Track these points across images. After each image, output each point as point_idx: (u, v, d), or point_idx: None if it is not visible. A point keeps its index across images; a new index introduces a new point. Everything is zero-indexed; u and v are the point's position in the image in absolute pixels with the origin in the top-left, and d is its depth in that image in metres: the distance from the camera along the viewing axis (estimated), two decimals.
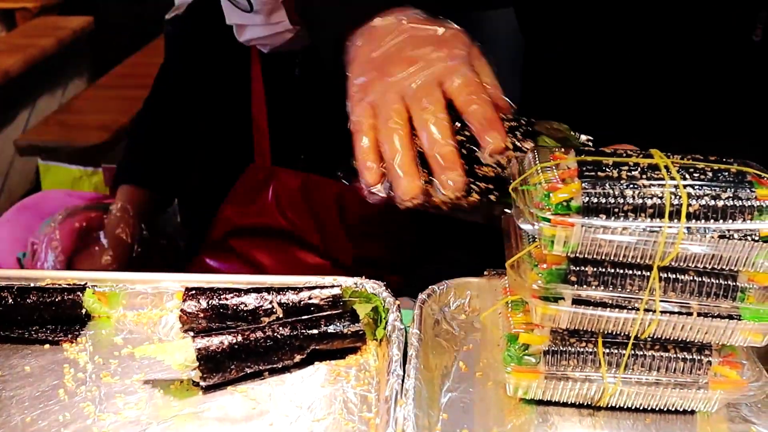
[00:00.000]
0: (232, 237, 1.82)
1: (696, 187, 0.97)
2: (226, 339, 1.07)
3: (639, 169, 1.00)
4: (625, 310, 0.99)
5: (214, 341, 1.07)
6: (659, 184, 0.96)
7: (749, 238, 0.95)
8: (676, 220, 0.94)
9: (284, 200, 1.78)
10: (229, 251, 1.79)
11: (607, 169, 1.00)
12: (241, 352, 1.08)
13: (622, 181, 0.97)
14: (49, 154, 2.93)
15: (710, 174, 0.99)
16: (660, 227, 0.94)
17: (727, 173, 1.00)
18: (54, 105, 3.74)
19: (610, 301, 0.99)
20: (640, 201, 0.95)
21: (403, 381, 1.00)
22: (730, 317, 1.00)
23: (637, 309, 0.98)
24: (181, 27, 1.89)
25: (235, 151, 1.79)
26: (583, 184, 0.97)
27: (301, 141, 1.78)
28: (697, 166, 1.00)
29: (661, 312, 0.98)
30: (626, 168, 1.00)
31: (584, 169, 1.00)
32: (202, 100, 1.82)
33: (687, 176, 0.98)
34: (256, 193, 1.80)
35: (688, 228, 0.94)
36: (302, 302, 1.15)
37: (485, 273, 1.21)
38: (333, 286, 1.16)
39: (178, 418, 1.03)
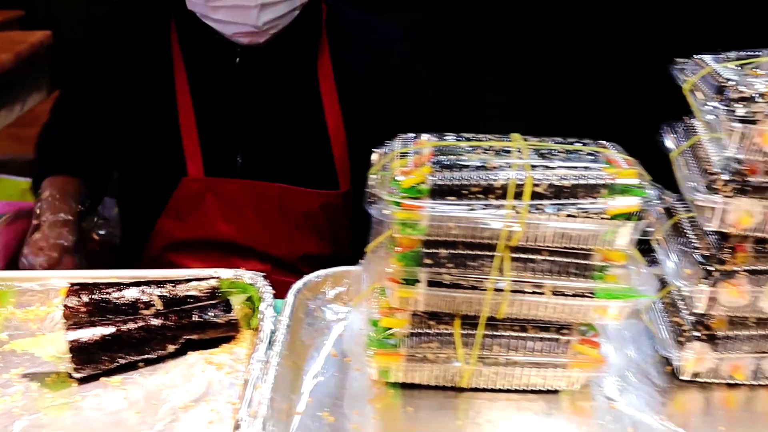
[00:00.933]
0: (170, 251, 1.81)
1: (546, 167, 0.98)
2: (99, 331, 1.08)
3: (493, 152, 1.01)
4: (477, 291, 0.99)
5: (87, 333, 1.08)
6: (508, 165, 0.97)
7: (597, 216, 0.96)
8: (522, 200, 0.95)
9: (222, 210, 1.77)
10: (168, 265, 1.78)
11: (461, 153, 1.01)
12: (113, 344, 1.09)
13: (472, 164, 0.98)
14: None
15: (563, 155, 1.00)
16: (508, 207, 0.95)
17: (581, 154, 1.01)
18: (12, 119, 3.74)
19: (465, 283, 1.00)
20: (489, 182, 0.96)
21: (266, 367, 1.01)
22: (585, 296, 1.01)
23: (489, 290, 0.99)
24: (108, 22, 1.83)
25: (168, 164, 1.77)
26: (433, 168, 0.98)
27: (237, 146, 1.78)
28: (552, 147, 1.02)
29: (512, 291, 0.99)
30: (480, 151, 1.01)
31: (438, 153, 1.02)
32: (122, 97, 1.78)
33: (539, 157, 0.99)
34: (193, 205, 1.79)
35: (537, 207, 0.95)
36: (181, 294, 1.16)
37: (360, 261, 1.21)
38: (211, 278, 1.17)
39: (50, 408, 1.04)
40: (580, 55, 2.01)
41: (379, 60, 1.75)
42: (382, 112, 1.66)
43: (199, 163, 1.71)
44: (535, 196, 0.97)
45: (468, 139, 1.06)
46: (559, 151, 1.02)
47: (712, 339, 1.05)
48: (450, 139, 1.06)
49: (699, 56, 1.05)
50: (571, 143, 1.05)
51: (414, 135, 1.09)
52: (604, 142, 1.06)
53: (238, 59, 1.65)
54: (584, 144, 1.05)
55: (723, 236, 1.03)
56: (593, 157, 1.01)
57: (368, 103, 1.68)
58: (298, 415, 1.02)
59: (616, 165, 1.00)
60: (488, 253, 0.99)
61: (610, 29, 1.95)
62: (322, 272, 1.23)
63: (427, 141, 1.06)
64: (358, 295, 1.11)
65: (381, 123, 1.43)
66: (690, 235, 1.06)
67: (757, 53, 1.04)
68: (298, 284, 1.20)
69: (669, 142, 1.10)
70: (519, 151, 1.00)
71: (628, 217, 0.98)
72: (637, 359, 1.12)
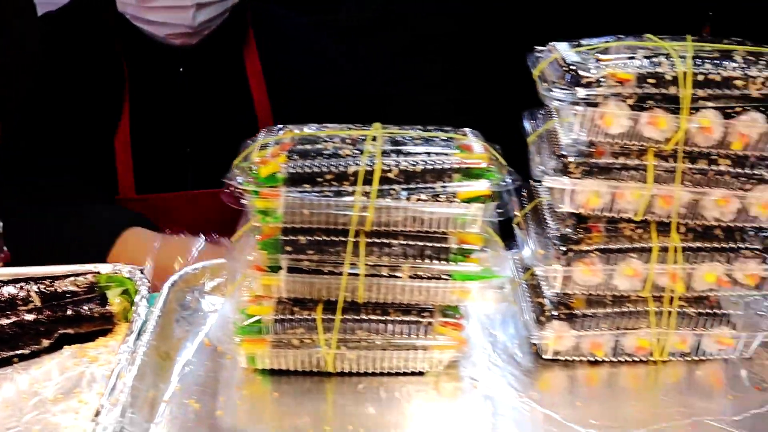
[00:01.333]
0: None
1: (399, 153, 1.01)
2: None
3: (349, 140, 1.04)
4: (335, 276, 1.02)
5: None
6: (360, 152, 1.00)
7: (447, 200, 0.99)
8: (372, 186, 0.98)
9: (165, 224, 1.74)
10: None
11: (319, 142, 1.04)
12: None
13: (327, 152, 1.00)
14: None
15: (420, 141, 1.03)
16: (358, 193, 0.97)
17: (436, 140, 1.04)
18: None
19: (323, 268, 1.03)
20: (341, 169, 0.99)
21: (132, 357, 1.03)
22: (441, 278, 1.03)
23: (348, 273, 1.01)
24: (52, 25, 1.78)
25: (101, 183, 1.72)
26: (289, 157, 1.00)
27: (186, 156, 1.75)
28: (408, 134, 1.04)
29: (369, 276, 1.02)
30: (338, 140, 1.04)
31: (296, 143, 1.04)
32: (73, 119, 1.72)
33: (392, 145, 1.02)
34: None
35: (389, 193, 0.98)
36: (59, 290, 1.17)
37: None
38: (90, 273, 1.19)
39: None
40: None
41: (310, 58, 1.77)
42: (317, 109, 1.68)
43: (131, 182, 1.70)
44: (387, 181, 0.99)
45: (330, 128, 1.08)
46: (414, 138, 1.05)
47: (571, 318, 1.08)
48: (312, 129, 1.08)
49: (553, 43, 1.08)
50: (429, 131, 1.07)
51: (281, 126, 1.12)
52: (465, 129, 1.09)
53: (181, 68, 1.65)
54: (444, 131, 1.07)
55: (578, 218, 1.05)
56: (447, 143, 1.04)
57: (301, 101, 1.70)
58: (165, 402, 1.03)
59: (469, 150, 1.03)
60: (344, 238, 1.01)
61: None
62: (200, 264, 1.25)
63: (290, 131, 1.08)
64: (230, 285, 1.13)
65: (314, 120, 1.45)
66: (547, 218, 1.08)
67: (613, 39, 1.07)
68: (174, 277, 1.21)
69: (528, 128, 1.13)
70: (374, 140, 1.03)
71: (480, 200, 1.00)
72: (504, 341, 1.15)
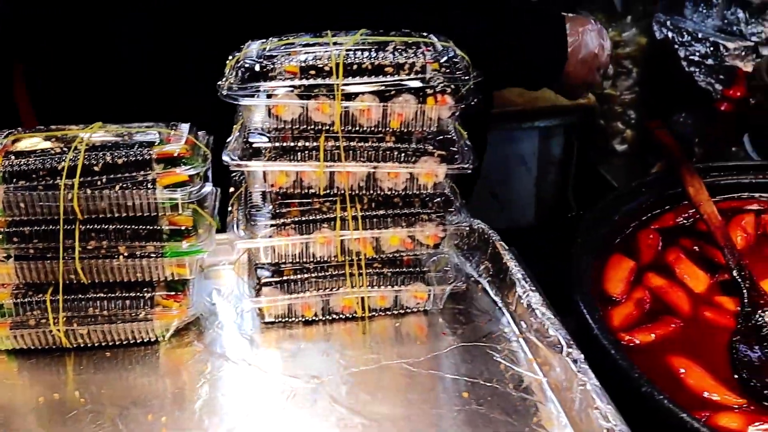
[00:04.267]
0: None
1: (105, 149, 1.14)
2: None
3: (57, 141, 1.17)
4: (56, 261, 1.15)
5: None
6: (68, 149, 1.13)
7: (145, 186, 1.13)
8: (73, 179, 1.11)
9: None
10: None
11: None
12: None
13: (38, 152, 1.14)
14: None
15: (116, 140, 1.17)
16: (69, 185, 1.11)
17: (138, 135, 1.18)
18: None
19: (47, 254, 1.16)
20: (53, 165, 1.12)
21: None
22: (157, 256, 1.17)
23: (68, 257, 1.15)
24: None
25: None
26: (5, 158, 1.13)
27: None
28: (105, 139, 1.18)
29: (88, 258, 1.15)
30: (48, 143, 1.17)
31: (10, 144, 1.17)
32: None
33: (92, 147, 1.16)
34: None
35: (93, 183, 1.11)
36: None
37: None
38: None
39: None
40: None
41: None
42: None
43: None
44: (91, 173, 1.12)
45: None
46: (121, 134, 1.18)
47: (281, 284, 1.23)
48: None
49: (249, 42, 1.22)
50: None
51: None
52: (177, 123, 1.22)
53: None
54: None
55: (277, 195, 1.20)
56: (150, 136, 1.17)
57: None
58: None
59: (170, 142, 1.17)
60: (63, 227, 1.15)
61: None
62: None
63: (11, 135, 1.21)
64: None
65: None
66: (252, 197, 1.23)
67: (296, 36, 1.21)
68: None
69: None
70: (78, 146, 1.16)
71: (182, 185, 1.15)
72: (233, 308, 1.29)
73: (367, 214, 1.19)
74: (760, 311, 1.27)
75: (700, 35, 2.54)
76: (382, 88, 1.11)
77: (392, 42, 1.16)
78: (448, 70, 1.12)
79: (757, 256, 1.48)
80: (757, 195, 1.65)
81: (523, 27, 1.80)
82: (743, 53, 2.39)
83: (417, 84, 1.11)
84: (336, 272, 1.22)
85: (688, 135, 2.64)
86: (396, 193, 1.18)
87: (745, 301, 1.30)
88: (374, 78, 1.11)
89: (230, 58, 1.18)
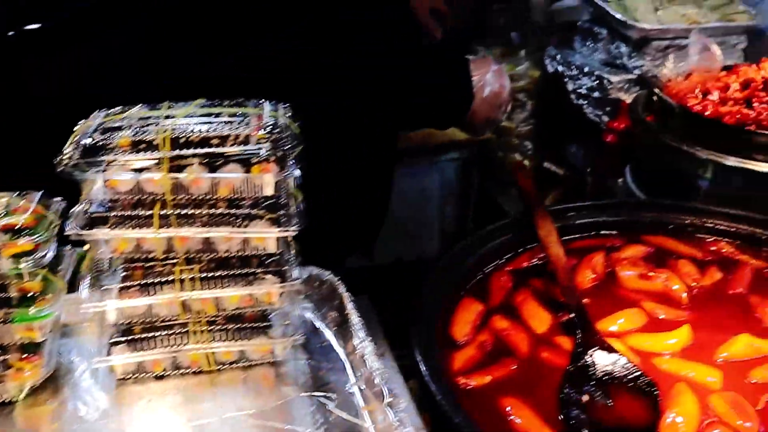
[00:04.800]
0: None
1: None
2: None
3: None
4: None
5: None
6: None
7: None
8: None
9: None
10: None
11: None
12: None
13: None
14: None
15: None
16: None
17: None
18: None
19: None
20: None
21: None
22: (6, 322, 1.23)
23: None
24: None
25: None
26: None
27: None
28: None
29: None
30: None
31: None
32: None
33: None
34: None
35: None
36: None
37: None
38: None
39: None
40: None
41: None
42: None
43: None
44: None
45: None
46: None
47: (131, 342, 1.29)
48: None
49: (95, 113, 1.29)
50: None
51: None
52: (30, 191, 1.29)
53: None
54: None
55: (123, 259, 1.27)
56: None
57: None
58: None
59: (17, 212, 1.23)
60: None
61: None
62: None
63: None
64: None
65: None
66: (100, 261, 1.29)
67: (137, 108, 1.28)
68: None
69: None
70: None
71: (29, 253, 1.21)
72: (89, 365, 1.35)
73: (206, 275, 1.26)
74: (590, 351, 1.35)
75: (586, 69, 2.66)
76: (208, 160, 1.18)
77: (222, 113, 1.23)
78: (272, 139, 1.20)
79: (603, 295, 1.57)
80: (614, 232, 1.74)
81: (433, 69, 1.92)
82: (626, 86, 2.50)
83: (242, 154, 1.19)
84: (181, 330, 1.30)
85: (580, 166, 2.76)
86: (232, 255, 1.26)
87: (578, 341, 1.38)
88: (201, 150, 1.18)
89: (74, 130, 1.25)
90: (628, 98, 2.53)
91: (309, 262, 1.45)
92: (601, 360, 1.35)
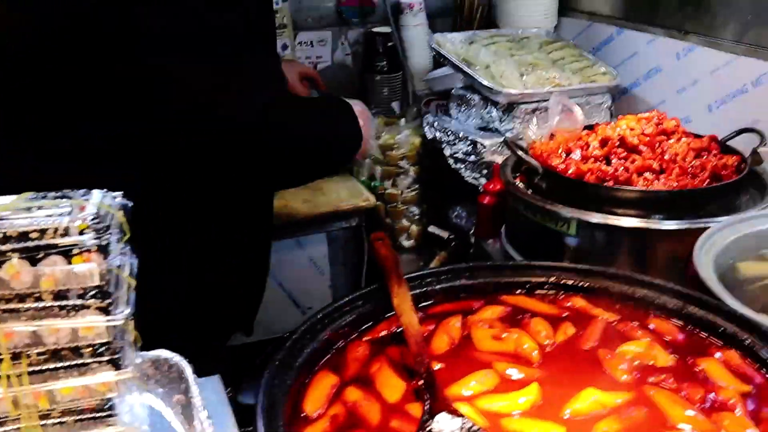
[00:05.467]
0: None
1: None
2: None
3: None
4: None
5: None
6: None
7: None
8: None
9: None
10: None
11: None
12: None
13: None
14: None
15: None
16: None
17: None
18: None
19: None
20: None
21: None
22: None
23: None
24: None
25: None
26: None
27: None
28: None
29: None
30: None
31: None
32: None
33: None
34: None
35: None
36: None
37: None
38: None
39: None
40: None
41: None
42: None
43: None
44: None
45: None
46: None
47: None
48: None
49: None
50: None
51: None
52: None
53: None
54: None
55: None
56: None
57: None
58: None
59: None
60: None
61: None
62: None
63: None
64: None
65: None
66: None
67: None
68: None
69: None
70: None
71: None
72: None
73: (35, 369, 1.24)
74: (436, 417, 1.37)
75: (461, 134, 2.73)
76: (28, 254, 1.18)
77: (44, 205, 1.23)
78: (94, 229, 1.20)
79: (459, 358, 1.59)
80: (471, 295, 1.77)
81: (327, 115, 1.95)
82: (499, 149, 2.57)
83: (62, 246, 1.18)
84: (14, 426, 1.27)
85: (464, 228, 2.81)
86: (62, 347, 1.24)
87: (426, 407, 1.39)
88: (19, 244, 1.18)
89: None
90: (501, 160, 2.60)
91: (173, 344, 1.45)
92: (446, 425, 1.36)
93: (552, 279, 1.78)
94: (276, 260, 2.25)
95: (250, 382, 1.49)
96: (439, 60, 3.03)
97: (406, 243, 3.08)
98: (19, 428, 1.26)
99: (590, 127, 2.27)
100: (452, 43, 2.95)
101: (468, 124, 2.82)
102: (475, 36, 3.04)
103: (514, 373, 1.52)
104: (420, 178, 3.09)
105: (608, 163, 2.22)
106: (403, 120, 3.13)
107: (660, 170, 2.16)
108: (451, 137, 2.82)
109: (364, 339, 1.64)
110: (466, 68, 2.76)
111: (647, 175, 2.14)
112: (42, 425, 1.26)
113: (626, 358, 1.53)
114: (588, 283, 1.76)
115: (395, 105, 3.33)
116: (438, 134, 2.90)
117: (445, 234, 2.84)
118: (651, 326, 1.63)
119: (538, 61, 2.79)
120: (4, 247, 1.17)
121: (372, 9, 3.62)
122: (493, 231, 2.51)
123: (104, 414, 1.30)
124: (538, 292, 1.76)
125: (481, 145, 2.67)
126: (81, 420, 1.28)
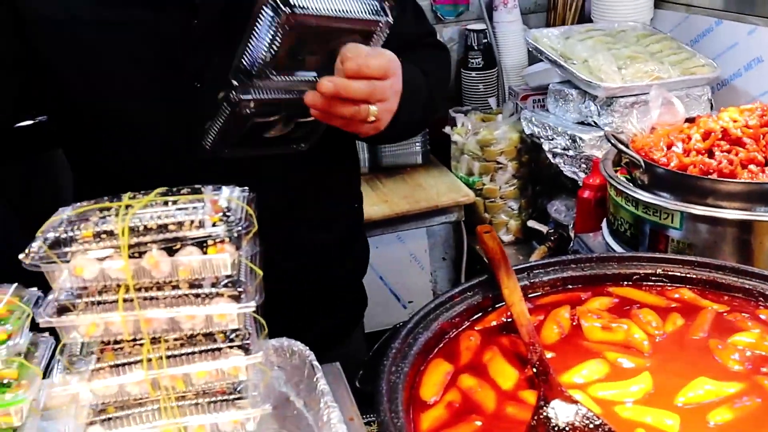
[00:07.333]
0: None
1: None
2: None
3: None
4: None
5: None
6: None
7: None
8: None
9: None
10: None
11: None
12: None
13: None
14: None
15: None
16: None
17: None
18: None
19: None
20: None
21: None
22: None
23: None
24: None
25: None
26: None
27: None
28: None
29: None
30: None
31: None
32: None
33: None
34: None
35: None
36: None
37: None
38: None
39: None
40: None
41: None
42: None
43: None
44: None
45: None
46: None
47: (105, 421, 1.36)
48: None
49: None
50: None
51: None
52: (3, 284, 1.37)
53: None
54: None
55: (94, 342, 1.34)
56: None
57: None
58: None
59: None
60: None
61: None
62: None
63: None
64: None
65: None
66: (72, 345, 1.36)
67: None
68: None
69: None
70: None
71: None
72: None
73: (173, 353, 1.33)
74: (551, 403, 1.40)
75: (560, 129, 2.74)
76: (167, 245, 1.26)
77: (179, 200, 1.31)
78: (226, 222, 1.27)
79: (569, 348, 1.61)
80: (579, 286, 1.79)
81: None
82: (598, 143, 2.58)
83: (198, 237, 1.26)
84: (153, 407, 1.36)
85: (563, 222, 2.83)
86: (197, 333, 1.32)
87: (540, 394, 1.43)
88: (159, 236, 1.26)
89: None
90: (600, 154, 2.61)
91: (291, 333, 1.52)
92: (562, 412, 1.39)
93: (659, 270, 1.78)
94: (377, 254, 2.31)
95: (367, 370, 1.55)
96: (535, 55, 3.04)
97: (505, 238, 3.10)
98: (157, 409, 1.33)
99: (691, 120, 2.26)
100: (548, 38, 2.97)
101: (566, 119, 2.83)
102: (571, 31, 3.05)
103: (625, 362, 1.54)
104: (518, 173, 3.11)
105: (711, 155, 2.21)
106: (500, 116, 3.16)
107: (765, 162, 2.14)
108: (550, 132, 2.84)
109: (476, 329, 1.67)
110: (563, 63, 2.77)
111: (752, 167, 2.12)
112: (179, 406, 1.33)
113: (738, 348, 1.53)
114: (695, 275, 1.76)
115: (492, 101, 3.36)
116: (536, 129, 2.92)
117: (544, 228, 2.85)
118: (762, 316, 1.62)
119: (635, 54, 2.79)
120: (144, 239, 1.25)
121: (466, 6, 3.67)
122: (594, 225, 2.51)
123: (234, 396, 1.37)
124: (645, 283, 1.77)
125: (580, 139, 2.68)
126: (213, 402, 1.35)
